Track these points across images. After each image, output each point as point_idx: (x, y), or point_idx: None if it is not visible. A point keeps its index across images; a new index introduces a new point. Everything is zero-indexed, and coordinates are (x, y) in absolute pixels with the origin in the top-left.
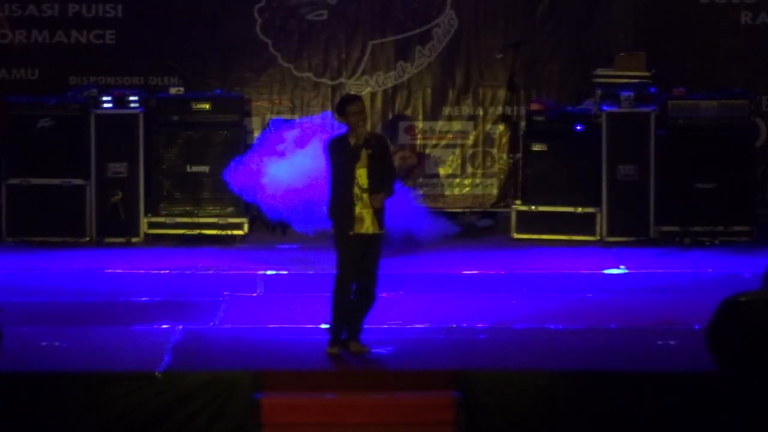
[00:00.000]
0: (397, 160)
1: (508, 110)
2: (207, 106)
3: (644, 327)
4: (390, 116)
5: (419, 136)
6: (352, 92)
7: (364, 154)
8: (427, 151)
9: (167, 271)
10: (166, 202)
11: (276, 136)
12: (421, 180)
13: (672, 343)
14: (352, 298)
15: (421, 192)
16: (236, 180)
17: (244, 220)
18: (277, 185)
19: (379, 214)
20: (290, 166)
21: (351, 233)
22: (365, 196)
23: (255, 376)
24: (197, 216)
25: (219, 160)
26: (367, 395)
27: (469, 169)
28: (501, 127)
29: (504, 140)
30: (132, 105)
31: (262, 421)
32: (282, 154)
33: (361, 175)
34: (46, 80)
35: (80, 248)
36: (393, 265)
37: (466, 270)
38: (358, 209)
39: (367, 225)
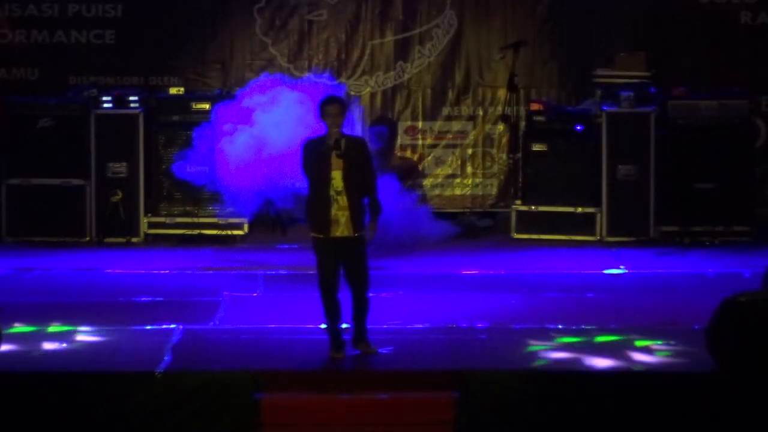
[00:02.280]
0: (396, 161)
1: (508, 110)
2: (207, 106)
3: (644, 327)
4: (389, 116)
5: (419, 136)
6: (334, 94)
7: (334, 155)
8: (427, 151)
9: (167, 271)
10: (166, 202)
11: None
12: (420, 180)
13: (672, 343)
14: (350, 300)
15: (420, 192)
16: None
17: (244, 220)
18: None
19: (355, 217)
20: (241, 143)
21: (327, 235)
22: (341, 198)
23: (255, 376)
24: (197, 216)
25: None
26: (367, 395)
27: (469, 169)
28: (501, 127)
29: (504, 140)
30: (132, 105)
31: (262, 421)
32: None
33: (336, 177)
34: (46, 80)
35: (80, 248)
36: (393, 265)
37: (466, 270)
38: (333, 211)
39: (342, 228)
